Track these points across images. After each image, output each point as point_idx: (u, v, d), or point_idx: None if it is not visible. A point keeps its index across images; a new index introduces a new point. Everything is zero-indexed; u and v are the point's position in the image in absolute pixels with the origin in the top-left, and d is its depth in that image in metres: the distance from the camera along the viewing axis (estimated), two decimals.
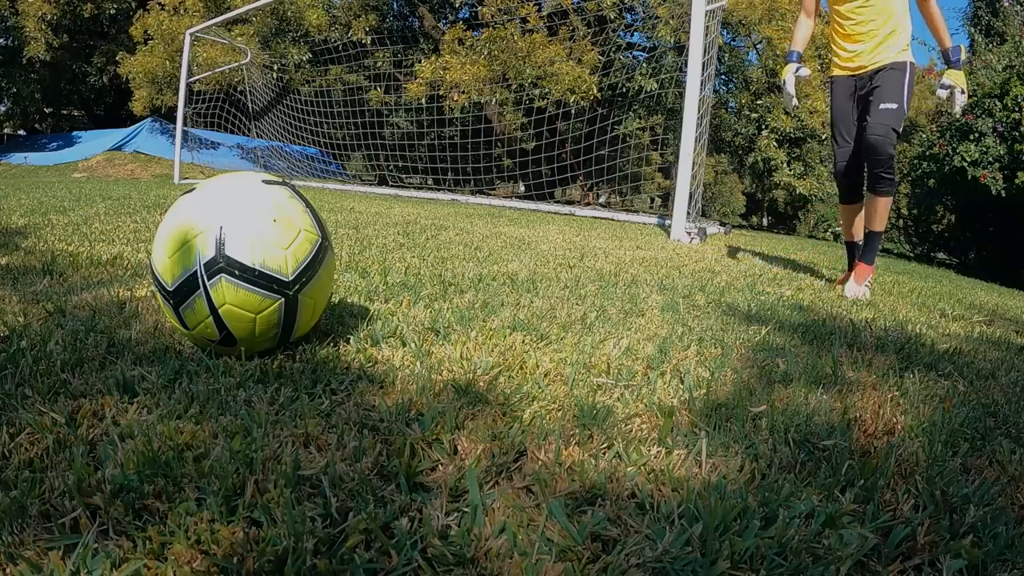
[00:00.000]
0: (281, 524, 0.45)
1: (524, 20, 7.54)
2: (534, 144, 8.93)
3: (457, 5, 9.77)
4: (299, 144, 9.15)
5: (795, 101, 2.43)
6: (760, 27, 8.05)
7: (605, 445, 0.62)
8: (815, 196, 10.60)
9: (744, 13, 7.41)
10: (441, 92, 7.86)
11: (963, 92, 2.11)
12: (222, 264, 0.75)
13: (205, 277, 0.75)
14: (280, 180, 0.86)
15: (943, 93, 2.13)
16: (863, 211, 2.24)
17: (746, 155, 9.45)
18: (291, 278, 0.78)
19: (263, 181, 0.84)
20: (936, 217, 7.12)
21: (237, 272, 0.75)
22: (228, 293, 0.75)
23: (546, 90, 6.91)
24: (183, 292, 0.76)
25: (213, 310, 0.75)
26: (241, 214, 0.77)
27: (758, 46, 9.41)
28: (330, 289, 0.89)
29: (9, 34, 12.15)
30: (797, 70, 2.39)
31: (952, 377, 0.97)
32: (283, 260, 0.78)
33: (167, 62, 10.16)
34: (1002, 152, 5.16)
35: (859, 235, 2.36)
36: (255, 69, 9.27)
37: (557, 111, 7.23)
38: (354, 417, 0.63)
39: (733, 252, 3.16)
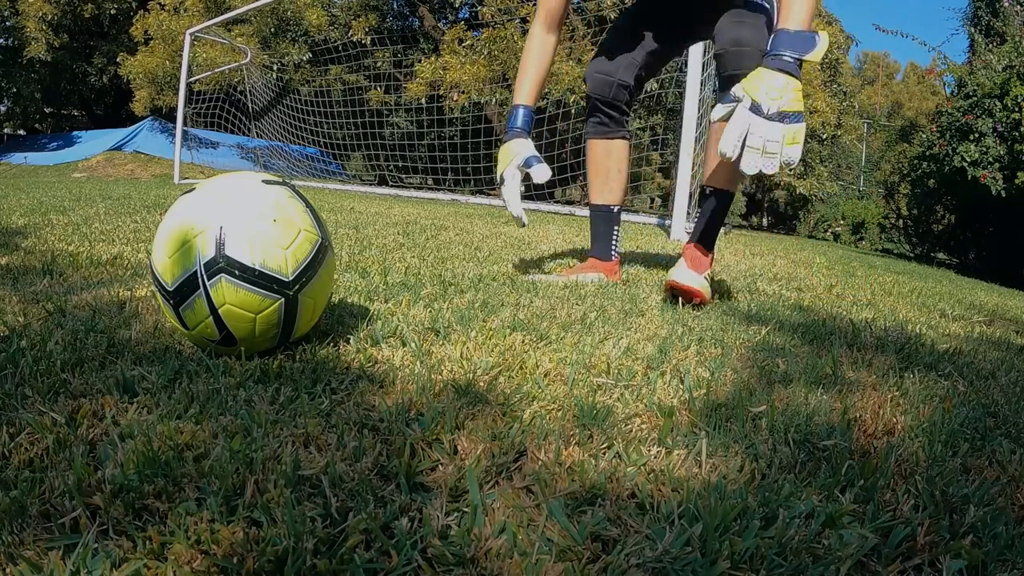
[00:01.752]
0: (281, 524, 0.45)
1: (524, 20, 7.54)
2: (534, 144, 8.92)
3: (457, 5, 9.76)
4: (299, 144, 9.15)
5: (520, 211, 1.42)
6: None
7: (605, 445, 0.62)
8: (815, 196, 10.61)
9: None
10: (441, 92, 7.86)
11: (775, 115, 1.13)
12: (222, 264, 0.75)
13: (205, 277, 0.75)
14: (280, 180, 0.86)
15: (719, 112, 1.20)
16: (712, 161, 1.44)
17: None
18: (291, 278, 0.78)
19: (263, 181, 0.84)
20: (936, 217, 7.12)
21: (237, 272, 0.75)
22: (228, 293, 0.75)
23: (546, 90, 6.91)
24: (183, 292, 0.76)
25: (213, 310, 0.75)
26: (241, 214, 0.77)
27: None
28: (330, 289, 0.89)
29: (9, 34, 12.15)
30: (526, 163, 1.40)
31: (952, 377, 0.97)
32: (283, 260, 0.78)
33: (167, 62, 10.16)
34: (1002, 152, 5.16)
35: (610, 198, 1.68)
36: (255, 69, 9.26)
37: (557, 111, 7.22)
38: (354, 417, 0.63)
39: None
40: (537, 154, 1.44)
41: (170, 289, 0.76)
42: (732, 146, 1.15)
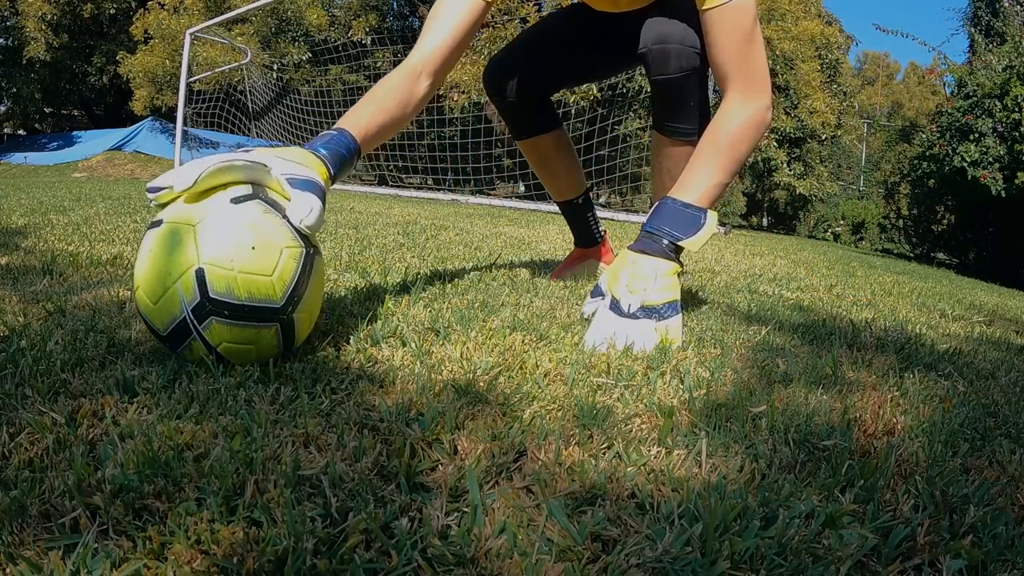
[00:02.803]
0: (281, 524, 0.45)
1: (524, 20, 7.54)
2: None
3: None
4: (299, 144, 9.14)
5: (183, 179, 0.74)
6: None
7: (605, 445, 0.62)
8: (815, 196, 10.62)
9: None
10: (441, 92, 7.86)
11: (638, 311, 0.95)
12: (209, 308, 0.71)
13: (195, 321, 0.72)
14: (249, 193, 0.78)
15: (586, 311, 1.06)
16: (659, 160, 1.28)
17: None
18: (282, 303, 0.75)
19: (231, 200, 0.76)
20: (936, 217, 7.13)
21: (227, 312, 0.72)
22: (222, 333, 0.73)
23: None
24: (177, 337, 0.73)
25: (211, 349, 0.74)
26: (217, 249, 0.72)
27: None
28: (322, 292, 0.87)
29: (9, 34, 12.17)
30: (291, 181, 0.80)
31: (952, 377, 0.97)
32: (270, 287, 0.74)
33: (167, 62, 10.18)
34: (1002, 152, 5.16)
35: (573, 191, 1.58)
36: (255, 69, 9.26)
37: (557, 111, 7.22)
38: (354, 417, 0.63)
39: None
40: (315, 181, 0.82)
41: (164, 335, 0.74)
42: (600, 343, 0.93)
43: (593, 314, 1.02)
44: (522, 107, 1.45)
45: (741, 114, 1.04)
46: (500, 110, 1.47)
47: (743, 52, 1.03)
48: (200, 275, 0.71)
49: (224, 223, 0.74)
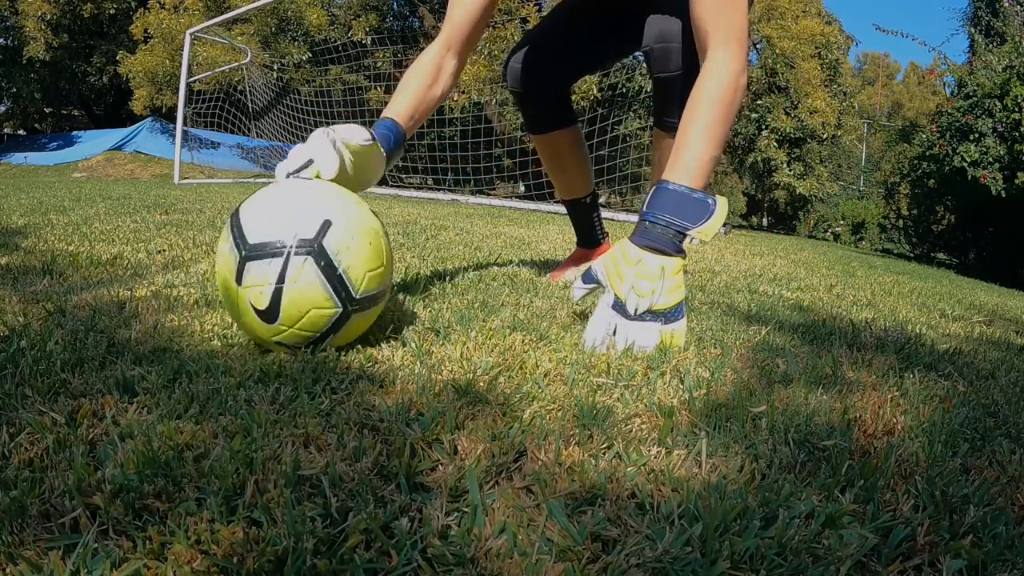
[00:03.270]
0: (281, 524, 0.45)
1: (524, 20, 7.54)
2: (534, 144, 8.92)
3: None
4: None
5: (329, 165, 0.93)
6: (759, 26, 8.05)
7: (605, 445, 0.62)
8: (815, 196, 10.63)
9: None
10: None
11: (645, 314, 0.91)
12: (315, 249, 0.77)
13: (293, 250, 0.77)
14: (374, 213, 0.91)
15: (578, 293, 1.01)
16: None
17: (746, 155, 9.46)
18: (358, 297, 0.81)
19: (359, 201, 0.89)
20: (936, 217, 7.12)
21: (323, 264, 0.78)
22: (304, 275, 0.77)
23: None
24: (262, 252, 0.77)
25: (280, 281, 0.76)
26: (349, 221, 0.81)
27: (757, 45, 9.41)
28: (366, 328, 0.89)
29: (9, 34, 12.17)
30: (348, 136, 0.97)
31: (952, 377, 0.97)
32: (362, 278, 0.81)
33: (167, 61, 10.18)
34: (1002, 152, 5.16)
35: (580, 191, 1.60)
36: (255, 69, 9.26)
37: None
38: (354, 417, 0.63)
39: None
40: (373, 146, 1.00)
41: (250, 243, 0.77)
42: (601, 342, 0.91)
43: (583, 299, 0.98)
44: (536, 103, 1.49)
45: (723, 73, 0.99)
46: (517, 105, 1.52)
47: (725, 8, 1.00)
48: (326, 224, 0.79)
49: (359, 212, 0.85)
